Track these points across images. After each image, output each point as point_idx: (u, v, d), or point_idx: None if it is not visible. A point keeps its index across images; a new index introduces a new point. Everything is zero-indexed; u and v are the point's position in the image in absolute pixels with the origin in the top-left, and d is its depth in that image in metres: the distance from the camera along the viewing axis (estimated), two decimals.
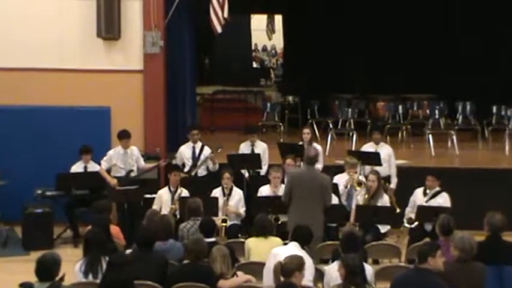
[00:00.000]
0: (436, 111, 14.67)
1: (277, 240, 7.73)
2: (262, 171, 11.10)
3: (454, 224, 7.42)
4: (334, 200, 9.60)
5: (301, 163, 10.23)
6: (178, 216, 9.53)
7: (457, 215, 7.91)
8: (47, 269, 6.02)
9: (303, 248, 7.01)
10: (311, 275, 6.73)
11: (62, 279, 6.05)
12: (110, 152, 10.86)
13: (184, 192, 9.92)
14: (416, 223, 9.36)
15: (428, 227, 9.21)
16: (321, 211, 8.43)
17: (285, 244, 7.33)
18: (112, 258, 6.51)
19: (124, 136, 10.79)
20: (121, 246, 7.88)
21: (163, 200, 9.91)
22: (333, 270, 6.57)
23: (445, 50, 16.27)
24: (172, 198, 9.88)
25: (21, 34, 11.95)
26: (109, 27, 11.79)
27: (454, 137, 13.76)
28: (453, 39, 16.31)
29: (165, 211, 9.66)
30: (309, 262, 6.62)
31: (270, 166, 10.66)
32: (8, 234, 10.90)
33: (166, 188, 10.07)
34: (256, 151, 11.30)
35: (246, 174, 11.04)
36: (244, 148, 11.44)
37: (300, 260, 6.19)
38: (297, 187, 8.42)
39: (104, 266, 6.61)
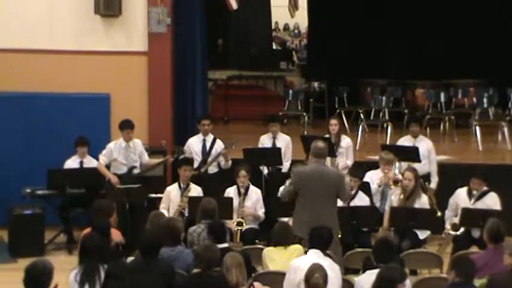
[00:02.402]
0: (484, 99, 14.58)
1: (299, 248, 7.69)
2: (284, 168, 11.10)
3: (505, 229, 7.37)
4: (366, 200, 9.60)
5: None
6: (186, 215, 9.55)
7: (508, 219, 7.86)
8: (37, 279, 6.02)
9: (325, 254, 6.98)
10: (338, 286, 6.72)
11: None
12: (110, 145, 10.88)
13: (198, 191, 9.95)
14: (462, 229, 9.30)
15: (475, 233, 9.15)
16: (334, 213, 8.39)
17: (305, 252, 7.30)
18: (110, 267, 6.52)
19: (127, 126, 10.80)
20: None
21: (171, 198, 9.94)
22: (364, 282, 6.55)
23: (495, 28, 16.17)
24: (182, 195, 9.90)
25: (6, 10, 11.99)
26: (108, 2, 11.81)
27: (505, 129, 13.67)
28: (504, 15, 16.19)
29: (173, 210, 9.70)
30: (335, 271, 6.61)
31: (292, 162, 10.64)
32: None
33: (175, 185, 10.10)
34: (278, 144, 11.30)
35: (265, 171, 11.04)
36: (265, 141, 11.45)
37: (324, 272, 6.22)
38: (304, 186, 8.37)
39: (102, 275, 6.63)
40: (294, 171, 8.92)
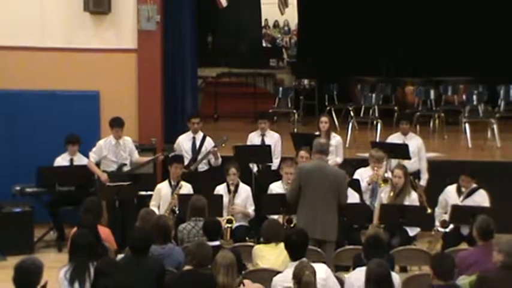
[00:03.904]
0: (474, 97, 14.62)
1: None
2: (274, 166, 11.12)
3: (495, 226, 7.40)
4: (356, 198, 9.62)
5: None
6: (177, 212, 9.56)
7: (497, 216, 7.88)
8: (27, 277, 6.01)
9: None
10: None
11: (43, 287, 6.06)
12: (100, 143, 10.87)
13: (188, 188, 9.95)
14: (451, 226, 9.34)
15: (465, 230, 9.19)
16: (334, 211, 8.44)
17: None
18: (99, 265, 6.51)
19: (116, 124, 10.79)
20: (112, 251, 7.90)
21: (162, 195, 9.93)
22: (355, 279, 6.57)
23: (485, 26, 16.20)
24: (173, 193, 9.90)
25: None
26: None
27: (495, 127, 13.70)
28: (494, 13, 16.23)
29: (164, 208, 9.71)
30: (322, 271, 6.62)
31: (282, 160, 10.67)
32: None
33: (166, 182, 10.09)
34: (267, 142, 11.32)
35: (255, 169, 11.05)
36: (254, 138, 11.46)
37: (312, 268, 6.25)
38: (306, 183, 8.41)
39: (93, 273, 6.62)
40: (297, 167, 8.97)
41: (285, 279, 6.52)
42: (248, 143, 11.47)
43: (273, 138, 11.45)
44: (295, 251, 6.90)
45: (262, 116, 11.74)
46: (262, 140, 11.41)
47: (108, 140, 10.85)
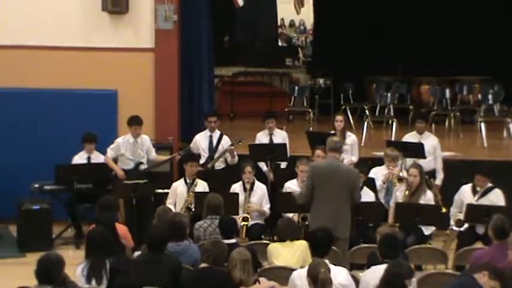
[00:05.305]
0: (490, 96, 14.55)
1: (304, 244, 7.68)
2: (283, 164, 11.13)
3: (510, 225, 7.37)
4: (371, 196, 9.60)
5: None
6: (193, 210, 9.58)
7: None
8: (51, 269, 6.00)
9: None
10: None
11: (63, 282, 6.08)
12: (118, 140, 10.90)
13: (203, 186, 9.97)
14: (466, 225, 9.30)
15: (480, 229, 9.15)
16: (347, 209, 8.41)
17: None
18: (114, 263, 6.53)
19: (135, 122, 10.82)
20: (129, 248, 7.93)
21: (178, 193, 9.95)
22: (370, 277, 6.56)
23: (501, 24, 16.12)
24: (188, 191, 9.91)
25: (14, 7, 12.01)
26: None
27: (511, 126, 13.66)
28: (508, 12, 16.15)
29: (180, 206, 9.73)
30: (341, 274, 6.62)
31: (297, 158, 10.66)
32: (2, 233, 11.00)
33: (181, 180, 10.10)
34: (276, 141, 11.34)
35: (264, 168, 11.05)
36: (262, 138, 11.47)
37: (327, 266, 6.25)
38: (319, 182, 8.37)
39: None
40: (309, 166, 8.95)
41: (304, 275, 6.48)
42: (256, 142, 11.47)
43: (281, 137, 11.48)
44: (319, 249, 6.90)
45: (269, 115, 11.74)
46: (271, 139, 11.43)
47: (127, 138, 10.89)
